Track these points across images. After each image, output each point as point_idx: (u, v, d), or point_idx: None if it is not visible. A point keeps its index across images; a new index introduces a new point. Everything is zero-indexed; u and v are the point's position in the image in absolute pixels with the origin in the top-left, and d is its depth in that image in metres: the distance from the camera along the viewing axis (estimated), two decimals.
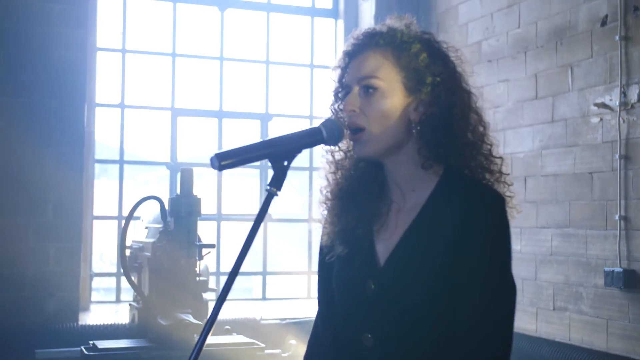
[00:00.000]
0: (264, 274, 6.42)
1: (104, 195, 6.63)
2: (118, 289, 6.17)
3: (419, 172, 1.84)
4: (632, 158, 4.22)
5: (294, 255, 6.66)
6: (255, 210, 6.69)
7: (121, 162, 6.13)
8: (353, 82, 1.86)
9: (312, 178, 6.60)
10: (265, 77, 6.46)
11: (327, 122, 1.85)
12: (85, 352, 4.20)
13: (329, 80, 1.95)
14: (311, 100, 6.62)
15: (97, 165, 6.10)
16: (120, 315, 5.66)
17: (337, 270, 1.94)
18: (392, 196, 1.90)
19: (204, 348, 4.25)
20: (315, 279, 6.32)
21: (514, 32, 5.17)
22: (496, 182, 1.84)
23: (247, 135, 6.64)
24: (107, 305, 6.14)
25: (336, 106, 1.94)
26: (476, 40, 5.60)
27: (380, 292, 1.81)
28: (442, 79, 1.82)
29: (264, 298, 6.43)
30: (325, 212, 1.99)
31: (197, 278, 4.60)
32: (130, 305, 4.81)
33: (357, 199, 1.93)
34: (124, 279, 6.18)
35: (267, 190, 1.79)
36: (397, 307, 1.78)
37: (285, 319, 5.75)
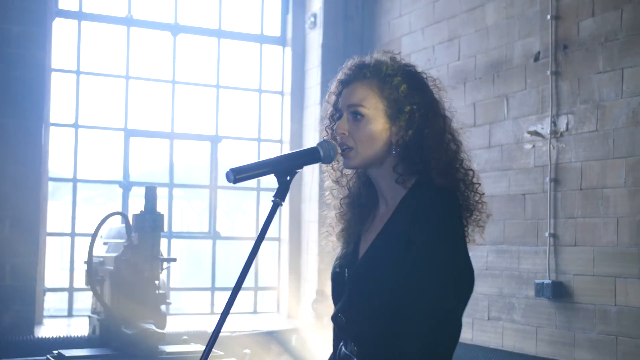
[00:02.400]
0: (212, 289, 6.66)
1: (52, 212, 6.76)
2: (70, 304, 6.30)
3: (396, 184, 2.16)
4: (561, 181, 4.66)
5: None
6: (201, 228, 6.92)
7: (74, 180, 6.30)
8: (344, 109, 2.19)
9: (259, 199, 6.89)
10: (215, 101, 6.74)
11: (323, 143, 2.17)
12: None
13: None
14: (259, 123, 6.92)
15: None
16: (74, 328, 5.81)
17: (333, 267, 2.28)
18: (379, 204, 2.23)
19: (172, 355, 4.49)
20: (261, 294, 6.59)
21: (454, 64, 5.60)
22: (468, 191, 2.17)
23: (197, 156, 6.88)
24: (60, 319, 6.27)
25: (330, 126, 2.27)
26: (418, 70, 6.00)
27: (350, 280, 2.15)
28: (419, 107, 2.14)
29: (212, 312, 6.66)
30: (329, 222, 2.32)
31: (157, 291, 4.84)
32: (90, 317, 5.00)
33: (350, 208, 2.28)
34: (76, 294, 6.37)
35: (272, 201, 2.09)
36: (361, 293, 2.11)
37: (234, 331, 6.02)
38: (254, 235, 6.89)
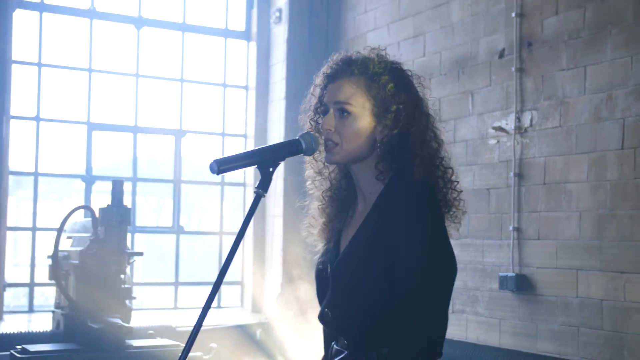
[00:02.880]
0: (176, 284, 6.64)
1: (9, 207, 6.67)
2: (31, 299, 6.23)
3: (376, 180, 2.20)
4: (524, 176, 4.75)
5: (205, 267, 6.91)
6: (158, 222, 6.88)
7: (36, 174, 6.23)
8: (330, 104, 2.19)
9: (223, 194, 6.88)
10: (179, 95, 6.71)
11: (305, 135, 2.19)
12: (18, 355, 4.33)
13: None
14: (224, 117, 6.91)
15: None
16: (36, 324, 5.75)
17: (316, 265, 2.30)
18: (358, 200, 2.26)
19: (139, 350, 4.49)
20: (225, 289, 6.57)
21: (419, 60, 5.66)
22: (447, 188, 2.21)
23: (161, 150, 6.85)
24: (21, 315, 6.19)
25: (315, 119, 2.29)
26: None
27: (333, 275, 2.19)
28: (404, 106, 2.16)
29: (175, 307, 6.64)
30: (311, 215, 2.34)
31: (122, 285, 4.82)
32: (53, 312, 4.96)
33: (332, 203, 2.30)
34: (37, 289, 6.30)
35: (255, 192, 2.10)
36: (344, 288, 2.14)
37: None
38: (218, 230, 6.88)
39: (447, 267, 2.11)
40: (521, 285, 4.67)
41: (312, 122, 2.32)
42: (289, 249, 6.45)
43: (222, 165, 2.08)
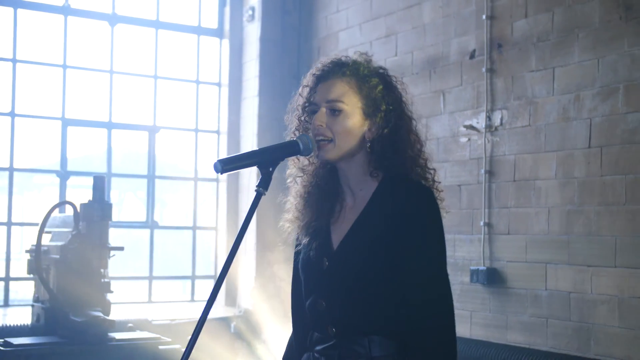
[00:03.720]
0: (150, 278, 6.72)
1: None
2: (6, 293, 6.26)
3: (366, 177, 2.32)
4: (495, 173, 4.92)
5: (178, 261, 7.00)
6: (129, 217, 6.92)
7: (11, 169, 6.26)
8: (322, 102, 2.31)
9: (196, 188, 6.97)
10: (153, 91, 6.78)
11: (302, 137, 2.31)
12: (1, 348, 4.39)
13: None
14: (197, 114, 7.00)
15: None
16: (12, 318, 5.78)
17: (302, 255, 2.41)
18: (344, 196, 2.38)
19: (121, 342, 4.60)
20: (198, 283, 6.64)
21: (391, 60, 5.81)
22: (430, 188, 2.35)
23: (135, 146, 6.91)
24: None
25: (303, 117, 2.40)
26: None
27: (332, 268, 2.29)
28: (393, 107, 2.31)
29: (149, 301, 6.71)
30: (294, 209, 2.44)
31: (102, 279, 4.90)
32: (33, 306, 5.02)
33: (316, 199, 2.41)
34: (12, 284, 6.33)
35: (255, 190, 2.22)
36: (344, 279, 2.26)
37: (174, 319, 6.10)
38: (191, 224, 6.97)
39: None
40: (492, 278, 4.85)
41: (300, 120, 2.41)
42: (262, 244, 6.56)
43: (225, 165, 2.18)
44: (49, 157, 6.57)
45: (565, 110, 4.51)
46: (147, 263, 6.70)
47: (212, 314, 6.39)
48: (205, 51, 7.08)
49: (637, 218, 4.10)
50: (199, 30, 7.05)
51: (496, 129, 4.93)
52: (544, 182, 4.59)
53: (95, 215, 4.71)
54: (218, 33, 7.10)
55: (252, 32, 6.86)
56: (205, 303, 2.17)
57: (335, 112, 2.29)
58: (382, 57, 5.91)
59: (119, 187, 5.88)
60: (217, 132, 7.06)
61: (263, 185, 2.22)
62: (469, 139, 5.10)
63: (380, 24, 5.97)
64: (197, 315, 6.45)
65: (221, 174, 2.20)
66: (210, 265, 7.06)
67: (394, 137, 2.29)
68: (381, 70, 2.37)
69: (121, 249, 4.88)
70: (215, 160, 2.19)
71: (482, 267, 4.90)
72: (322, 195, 2.40)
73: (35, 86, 6.59)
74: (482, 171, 4.96)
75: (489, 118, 4.97)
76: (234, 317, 6.46)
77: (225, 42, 7.04)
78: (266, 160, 2.24)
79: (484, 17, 5.02)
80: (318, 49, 6.70)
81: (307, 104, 2.39)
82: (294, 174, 2.47)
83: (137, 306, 6.54)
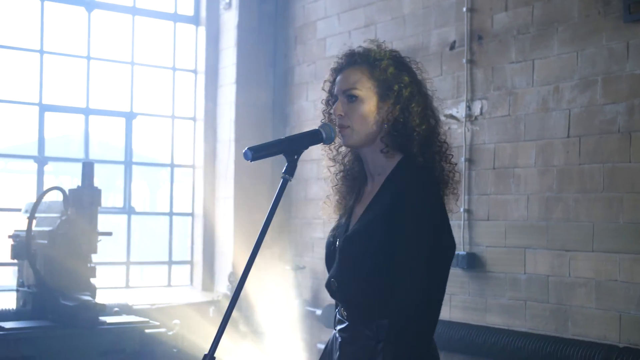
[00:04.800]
0: (127, 264, 6.76)
1: None
2: None
3: (384, 160, 2.43)
4: (474, 161, 5.09)
5: (155, 247, 7.05)
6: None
7: None
8: (339, 93, 2.44)
9: (173, 174, 7.02)
10: (130, 77, 6.80)
11: (324, 126, 2.43)
12: None
13: (323, 90, 2.51)
14: (173, 100, 7.04)
15: None
16: None
17: (327, 237, 2.55)
18: (367, 181, 2.51)
19: (112, 326, 4.67)
20: (175, 268, 6.67)
21: None
22: (444, 162, 2.45)
23: (113, 132, 6.92)
24: None
25: (327, 110, 2.53)
26: (334, 53, 6.27)
27: (340, 249, 2.43)
28: (405, 86, 2.41)
29: (127, 287, 6.76)
30: (328, 197, 2.58)
31: (88, 265, 4.95)
32: (18, 290, 5.05)
33: (345, 184, 2.56)
34: None
35: (282, 177, 2.33)
36: (347, 259, 2.39)
37: (154, 304, 6.17)
38: (168, 210, 7.02)
39: (444, 248, 2.36)
40: (472, 263, 5.02)
41: (325, 114, 2.55)
42: (240, 229, 6.65)
43: (256, 153, 2.29)
44: (26, 143, 6.55)
45: (544, 101, 4.69)
46: (124, 249, 6.73)
47: (189, 299, 6.49)
48: (182, 38, 7.11)
49: (614, 205, 4.30)
50: (175, 17, 7.08)
51: (476, 118, 5.09)
52: (523, 170, 4.77)
53: (85, 201, 4.75)
54: (194, 20, 7.14)
55: (229, 19, 6.92)
56: (228, 304, 2.26)
57: (351, 99, 2.41)
58: None
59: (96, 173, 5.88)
60: (193, 118, 7.11)
61: (289, 172, 2.33)
62: (449, 128, 5.24)
63: (359, 14, 6.09)
64: (175, 300, 6.49)
65: (251, 161, 2.31)
66: (186, 251, 7.12)
67: (406, 113, 2.39)
68: (393, 53, 2.49)
69: (109, 234, 4.94)
70: (246, 149, 2.29)
71: (462, 252, 5.06)
72: (350, 180, 2.55)
73: (12, 71, 6.55)
74: (462, 159, 5.11)
75: (469, 108, 5.13)
76: (213, 301, 6.54)
77: (202, 30, 7.09)
78: (291, 148, 2.35)
79: (464, 9, 5.17)
80: (295, 37, 6.80)
81: (329, 97, 2.53)
82: (327, 165, 2.60)
83: (115, 291, 6.58)
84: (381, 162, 2.44)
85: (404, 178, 2.36)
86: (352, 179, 2.54)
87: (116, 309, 5.21)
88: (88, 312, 4.59)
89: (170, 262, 6.99)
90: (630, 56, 4.26)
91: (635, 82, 4.22)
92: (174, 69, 7.06)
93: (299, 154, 2.37)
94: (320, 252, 6.27)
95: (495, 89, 4.98)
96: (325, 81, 2.55)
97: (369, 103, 2.40)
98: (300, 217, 6.62)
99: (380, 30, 5.87)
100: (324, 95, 2.56)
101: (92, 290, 4.97)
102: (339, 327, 2.47)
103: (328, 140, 2.43)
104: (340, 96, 2.44)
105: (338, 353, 2.44)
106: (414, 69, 2.50)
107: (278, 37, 6.94)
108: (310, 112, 6.59)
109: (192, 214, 7.08)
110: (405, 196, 2.31)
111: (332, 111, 2.50)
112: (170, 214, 7.02)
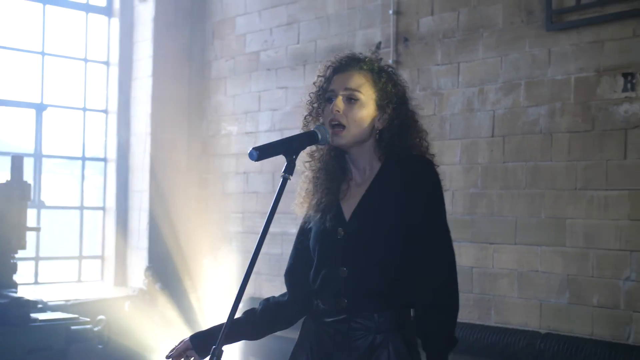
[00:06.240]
0: (36, 259, 6.59)
1: None
2: None
3: (372, 160, 2.59)
4: None
5: (65, 242, 6.91)
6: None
7: None
8: (339, 90, 2.54)
9: (84, 168, 6.89)
10: (40, 68, 6.63)
11: (319, 127, 2.54)
12: None
13: (314, 83, 2.62)
14: (85, 92, 6.91)
15: None
16: None
17: (315, 228, 2.64)
18: (352, 176, 2.63)
19: (44, 323, 4.63)
20: (85, 262, 6.59)
21: (293, 47, 6.05)
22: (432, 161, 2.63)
23: (20, 124, 6.72)
24: None
25: (316, 104, 2.63)
26: (254, 50, 6.39)
27: (348, 237, 2.54)
28: (401, 102, 2.60)
29: (36, 282, 6.59)
30: (304, 191, 2.67)
31: (12, 261, 4.86)
32: None
33: (324, 180, 2.65)
34: None
35: (282, 176, 2.42)
36: (361, 246, 2.51)
37: (69, 300, 6.07)
38: (79, 204, 6.89)
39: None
40: None
41: (312, 107, 2.66)
42: (155, 222, 6.62)
43: (261, 153, 2.38)
44: None
45: (469, 102, 4.95)
46: (33, 244, 6.56)
47: (103, 295, 6.42)
48: (94, 29, 6.99)
49: (535, 201, 4.61)
50: (87, 8, 6.94)
51: None
52: (448, 167, 5.01)
53: (15, 195, 4.65)
54: (107, 12, 7.03)
55: (145, 12, 6.85)
56: (231, 303, 2.30)
57: (352, 100, 2.54)
58: (283, 44, 6.14)
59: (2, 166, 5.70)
60: (105, 111, 7.00)
61: (288, 172, 2.43)
62: None
63: (281, 11, 6.19)
64: (88, 295, 6.40)
65: (256, 160, 2.39)
66: (97, 245, 7.01)
67: (402, 128, 2.57)
68: (389, 69, 2.64)
69: (38, 229, 4.85)
70: (251, 149, 2.37)
71: None
72: (330, 176, 2.65)
73: None
74: None
75: None
76: (128, 297, 6.49)
77: (115, 21, 6.99)
78: (291, 149, 2.46)
79: (390, 12, 5.36)
80: (212, 32, 6.82)
81: (321, 92, 2.62)
82: (305, 159, 2.69)
83: (25, 288, 6.40)
84: (370, 160, 2.59)
85: (414, 165, 2.52)
86: (331, 177, 2.64)
87: (40, 305, 5.11)
88: (20, 309, 4.51)
89: (80, 257, 6.87)
90: (551, 62, 4.57)
91: (556, 87, 4.54)
92: (85, 60, 6.92)
93: (297, 154, 2.48)
94: (239, 246, 6.36)
95: (421, 89, 5.20)
96: (318, 76, 2.65)
97: (368, 109, 2.54)
98: (218, 210, 6.66)
99: (303, 29, 6.00)
100: (314, 89, 2.65)
101: (15, 287, 4.88)
102: (330, 319, 2.54)
103: (323, 141, 2.55)
104: (341, 93, 2.54)
105: (333, 345, 2.52)
106: (404, 85, 2.65)
107: (194, 31, 6.94)
108: (228, 107, 6.64)
109: (103, 208, 6.98)
110: (421, 182, 2.49)
111: (322, 106, 2.59)
112: (81, 207, 6.90)
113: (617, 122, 4.27)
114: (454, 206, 4.96)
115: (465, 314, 4.89)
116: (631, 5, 4.25)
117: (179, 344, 2.65)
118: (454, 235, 2.55)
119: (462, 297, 4.83)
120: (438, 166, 2.62)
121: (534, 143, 4.63)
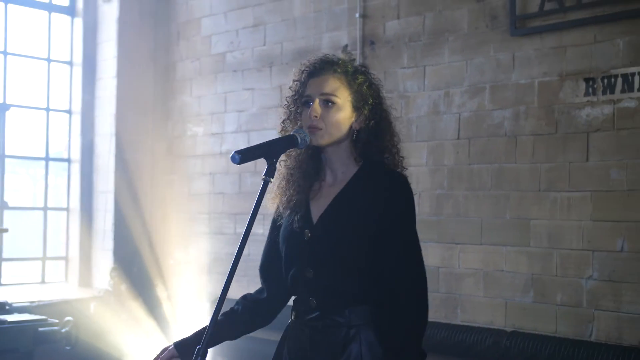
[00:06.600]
0: None
1: None
2: None
3: (349, 161, 2.65)
4: None
5: (29, 242, 6.86)
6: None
7: None
8: (315, 95, 2.60)
9: (48, 168, 6.84)
10: (3, 68, 6.57)
11: (299, 131, 2.60)
12: None
13: (286, 89, 2.65)
14: (48, 92, 6.86)
15: None
16: None
17: (283, 227, 2.70)
18: (325, 176, 2.69)
19: (12, 325, 4.64)
20: (49, 264, 6.54)
21: (259, 49, 6.08)
22: (401, 170, 2.69)
23: None
24: None
25: (294, 108, 2.69)
26: (220, 51, 6.41)
27: (314, 239, 2.60)
28: (376, 102, 2.66)
29: (0, 284, 6.53)
30: (277, 187, 2.72)
31: None
32: None
33: (297, 177, 2.71)
34: None
35: (263, 179, 2.48)
36: (326, 249, 2.56)
37: (34, 301, 6.03)
38: (42, 205, 6.84)
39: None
40: None
41: (290, 111, 2.72)
42: (120, 223, 6.60)
43: (243, 156, 2.43)
44: None
45: (435, 105, 5.04)
46: None
47: (67, 296, 6.39)
48: (57, 29, 6.94)
49: (500, 202, 4.72)
50: (50, 7, 6.89)
51: None
52: (415, 168, 5.09)
53: None
54: (70, 11, 6.98)
55: (109, 12, 6.83)
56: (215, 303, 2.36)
57: (328, 104, 2.60)
58: (249, 46, 6.17)
59: None
60: (69, 111, 6.96)
61: (269, 174, 2.48)
62: None
63: (247, 13, 6.22)
64: (52, 296, 6.39)
65: (239, 164, 2.44)
66: (61, 246, 6.97)
67: (377, 128, 2.64)
68: (363, 69, 2.71)
69: (6, 230, 4.82)
70: (233, 152, 2.42)
71: None
72: (303, 174, 2.71)
73: None
74: None
75: None
76: (94, 297, 6.47)
77: (78, 21, 6.95)
78: (271, 152, 2.51)
79: (357, 15, 5.43)
80: (178, 33, 6.82)
81: (297, 97, 2.68)
82: (281, 159, 2.74)
83: None
84: (346, 161, 2.65)
85: (388, 179, 2.57)
86: (304, 176, 2.69)
87: (7, 306, 5.08)
88: None
89: (44, 258, 6.82)
90: (515, 67, 4.68)
91: (520, 91, 4.65)
92: (49, 60, 6.87)
93: (277, 157, 2.54)
94: (205, 247, 6.38)
95: (387, 92, 5.23)
96: (293, 80, 2.70)
97: (345, 111, 2.60)
98: (184, 211, 6.67)
99: (269, 31, 6.04)
100: (290, 93, 2.71)
101: None
102: (306, 318, 2.62)
103: (302, 145, 2.60)
104: (317, 98, 2.60)
105: (309, 342, 2.60)
106: (379, 85, 2.72)
107: (159, 32, 6.93)
108: (193, 108, 6.65)
109: (67, 209, 6.94)
110: (393, 196, 2.53)
111: (299, 110, 2.65)
112: (45, 208, 6.84)
113: (580, 125, 4.40)
114: (420, 207, 5.05)
115: (432, 313, 4.93)
116: (592, 12, 4.38)
117: (162, 353, 2.67)
118: (421, 235, 2.62)
119: (429, 297, 4.94)
120: (407, 169, 2.70)
121: (498, 145, 4.74)
